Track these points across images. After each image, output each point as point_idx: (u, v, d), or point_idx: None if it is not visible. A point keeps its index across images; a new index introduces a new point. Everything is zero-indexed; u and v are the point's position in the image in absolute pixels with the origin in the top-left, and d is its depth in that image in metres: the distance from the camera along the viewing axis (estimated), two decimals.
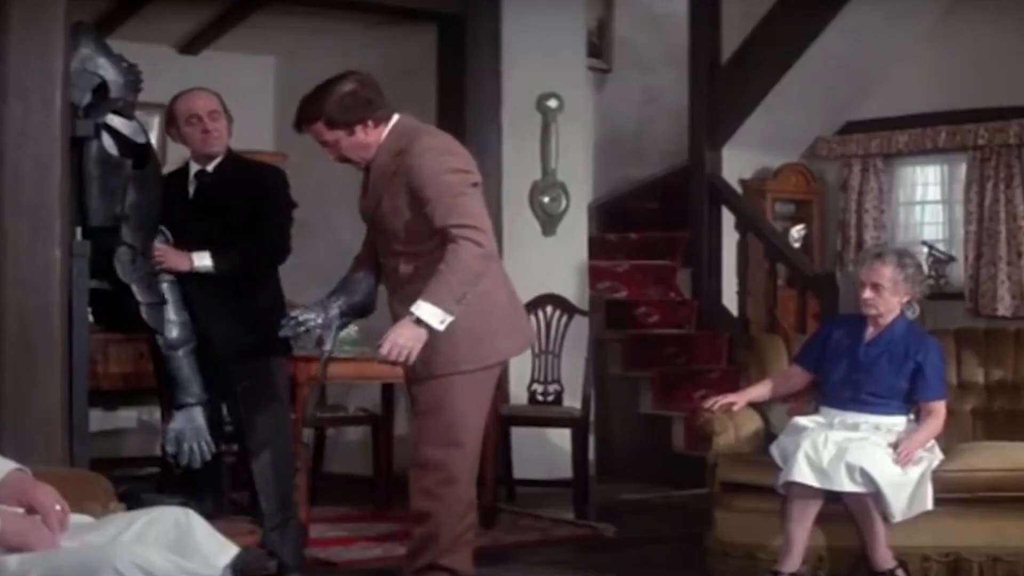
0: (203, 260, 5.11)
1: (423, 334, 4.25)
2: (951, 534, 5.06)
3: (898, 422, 5.16)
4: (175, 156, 7.85)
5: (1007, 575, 5.07)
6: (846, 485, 4.92)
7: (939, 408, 5.17)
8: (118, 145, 4.80)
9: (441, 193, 4.33)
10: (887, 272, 5.18)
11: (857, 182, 8.92)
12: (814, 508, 4.99)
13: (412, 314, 4.25)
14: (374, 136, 4.50)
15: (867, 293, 5.21)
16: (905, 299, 5.23)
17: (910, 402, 5.19)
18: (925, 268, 8.57)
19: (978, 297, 8.35)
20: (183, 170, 5.34)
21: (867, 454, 4.94)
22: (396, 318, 4.38)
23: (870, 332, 5.26)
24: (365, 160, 4.52)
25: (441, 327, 4.25)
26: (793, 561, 5.00)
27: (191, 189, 5.27)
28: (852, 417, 5.16)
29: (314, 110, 4.49)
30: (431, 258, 4.33)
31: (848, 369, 5.23)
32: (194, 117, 5.20)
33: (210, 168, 5.26)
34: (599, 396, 7.84)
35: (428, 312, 4.24)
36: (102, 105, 4.76)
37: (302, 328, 4.53)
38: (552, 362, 7.29)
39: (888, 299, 5.20)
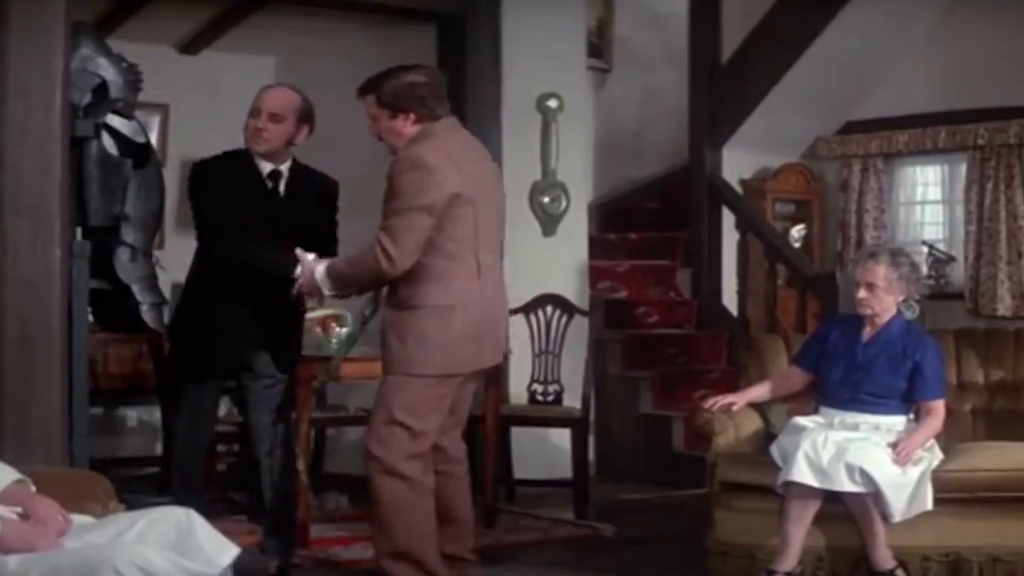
0: (322, 281, 4.92)
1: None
2: (951, 534, 5.06)
3: (897, 422, 5.16)
4: (175, 156, 7.89)
5: (1007, 575, 5.07)
6: (846, 485, 4.92)
7: (938, 407, 5.18)
8: (118, 145, 4.80)
9: (384, 202, 4.75)
10: (881, 271, 5.18)
11: (857, 182, 8.92)
12: (813, 508, 4.99)
13: (320, 270, 4.83)
14: (410, 130, 4.82)
15: (861, 293, 5.21)
16: (901, 298, 5.23)
17: (909, 401, 5.20)
18: (925, 268, 8.59)
19: (978, 297, 8.35)
20: (247, 160, 5.21)
21: (867, 454, 4.94)
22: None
23: (867, 332, 5.26)
24: (395, 149, 4.84)
25: (327, 292, 4.86)
26: (789, 560, 5.01)
27: (274, 184, 5.21)
28: (852, 417, 5.16)
29: (374, 85, 4.84)
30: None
31: (846, 369, 5.23)
32: (256, 110, 5.20)
33: (283, 169, 5.22)
34: (599, 396, 7.84)
35: (321, 274, 4.84)
36: (102, 105, 4.76)
37: None
38: (552, 362, 7.28)
39: (883, 298, 5.20)
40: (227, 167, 5.19)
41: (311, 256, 4.94)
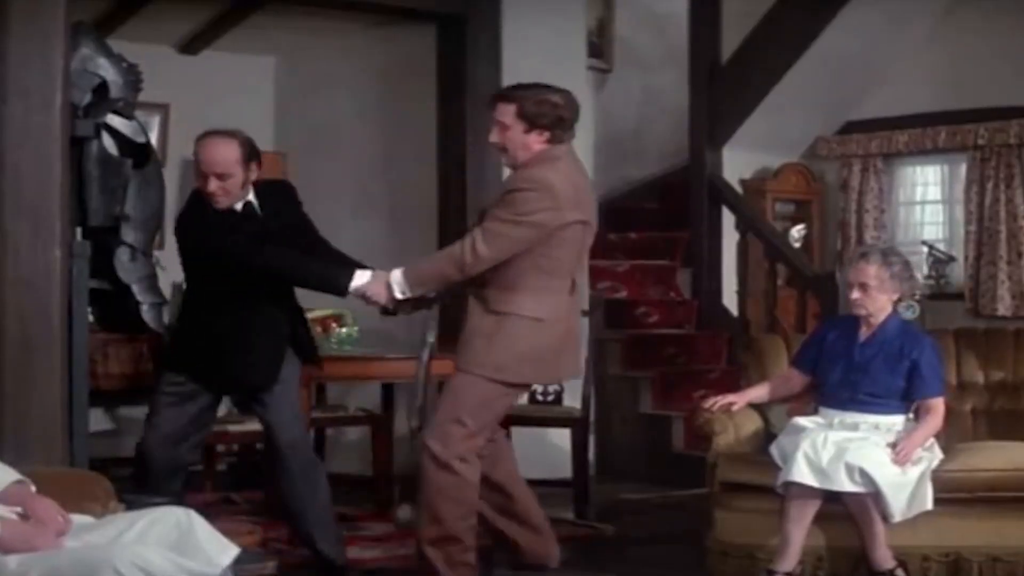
0: (397, 283, 4.98)
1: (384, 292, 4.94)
2: (951, 534, 5.06)
3: (897, 421, 5.16)
4: (175, 156, 7.89)
5: (1007, 575, 5.07)
6: (845, 485, 4.92)
7: (937, 405, 5.18)
8: (118, 145, 4.80)
9: (495, 207, 4.88)
10: (872, 271, 5.18)
11: (857, 182, 8.92)
12: (812, 508, 4.99)
13: (396, 273, 4.92)
14: (538, 147, 4.92)
15: (855, 293, 5.22)
16: (895, 297, 5.23)
17: (908, 400, 5.20)
18: (925, 268, 8.60)
19: (978, 297, 8.34)
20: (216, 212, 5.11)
21: (866, 454, 4.94)
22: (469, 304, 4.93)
23: (864, 332, 5.27)
24: (515, 160, 4.94)
25: (399, 294, 4.91)
26: (789, 561, 5.01)
27: (250, 210, 5.15)
28: (851, 417, 5.16)
29: (518, 94, 4.97)
30: (503, 265, 4.84)
31: (844, 370, 5.24)
32: (203, 175, 5.01)
33: (251, 197, 5.14)
34: (599, 396, 7.84)
35: (398, 276, 4.92)
36: (102, 105, 4.76)
37: None
38: None
39: (876, 298, 5.20)
40: (204, 211, 5.07)
41: (367, 271, 5.04)
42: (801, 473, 4.92)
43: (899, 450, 4.98)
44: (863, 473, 4.91)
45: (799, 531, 5.00)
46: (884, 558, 5.00)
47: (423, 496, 4.97)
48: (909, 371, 5.17)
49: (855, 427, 5.12)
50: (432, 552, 4.95)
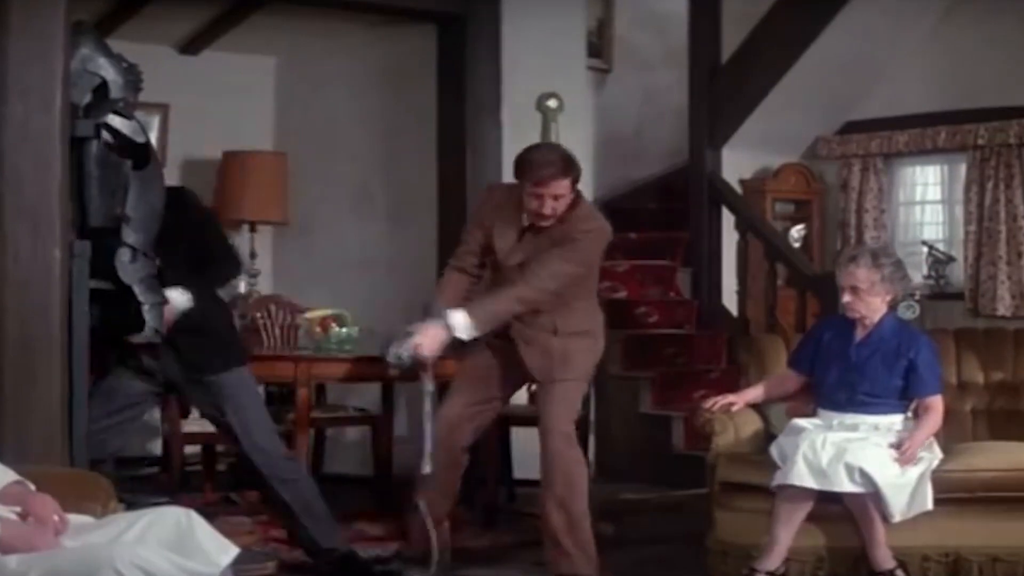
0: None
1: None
2: (951, 534, 5.07)
3: (896, 420, 5.16)
4: (175, 156, 7.90)
5: (1007, 575, 5.07)
6: (845, 485, 4.92)
7: (936, 403, 5.17)
8: (118, 145, 4.80)
9: (565, 250, 5.32)
10: (862, 274, 5.16)
11: (857, 182, 8.92)
12: (804, 510, 5.00)
13: (460, 318, 5.22)
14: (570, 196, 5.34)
15: (846, 297, 5.21)
16: (888, 298, 5.22)
17: (906, 399, 5.19)
18: (925, 268, 8.60)
19: (978, 297, 8.34)
20: None
21: (866, 455, 4.94)
22: (517, 333, 5.42)
23: (859, 333, 5.26)
24: (552, 219, 5.29)
25: (465, 336, 5.26)
26: (774, 560, 5.02)
27: None
28: (850, 419, 5.16)
29: (571, 166, 5.31)
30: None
31: (841, 371, 5.23)
32: None
33: None
34: (599, 396, 7.84)
35: (463, 321, 5.22)
36: (102, 105, 4.76)
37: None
38: None
39: (868, 300, 5.18)
40: None
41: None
42: (800, 476, 4.92)
43: (904, 451, 4.97)
44: (863, 473, 4.91)
45: (788, 532, 5.00)
46: (884, 558, 5.00)
47: (575, 493, 5.49)
48: (906, 370, 5.16)
49: (855, 428, 5.12)
50: (590, 522, 5.49)
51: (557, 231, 5.31)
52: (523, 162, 5.30)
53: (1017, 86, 8.05)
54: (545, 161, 5.26)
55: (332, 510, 5.51)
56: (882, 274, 5.16)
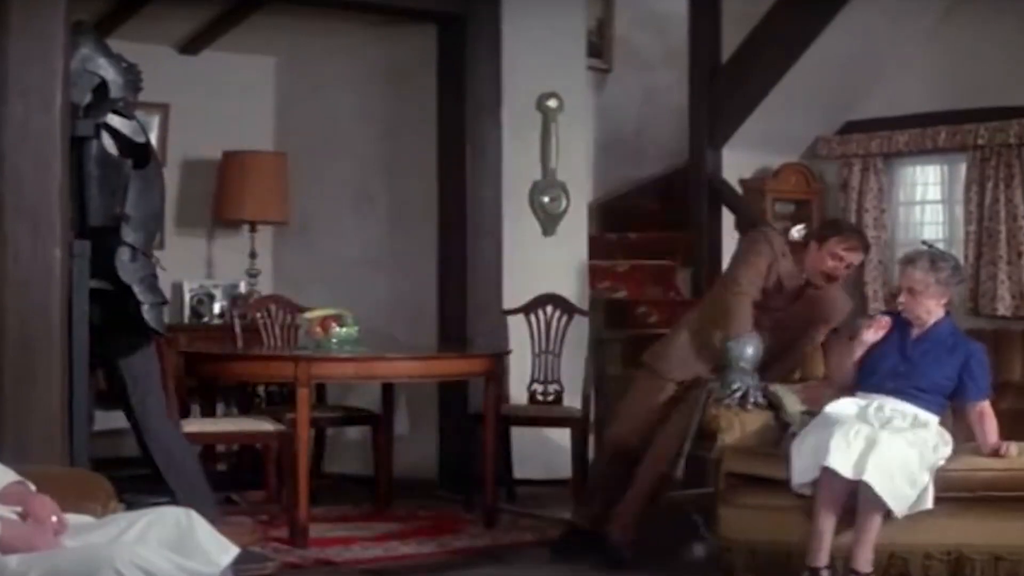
0: None
1: None
2: (953, 532, 5.07)
3: (932, 420, 5.21)
4: (175, 156, 7.90)
5: (1008, 574, 5.08)
6: (872, 477, 4.90)
7: (989, 407, 5.27)
8: (118, 145, 4.80)
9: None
10: (918, 275, 5.28)
11: (857, 182, 8.91)
12: (842, 499, 4.98)
13: None
14: None
15: (902, 297, 5.34)
16: (943, 301, 5.32)
17: (947, 400, 5.27)
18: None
19: (978, 297, 8.33)
20: None
21: (892, 449, 4.95)
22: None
23: (915, 331, 5.33)
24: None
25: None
26: (823, 555, 4.99)
27: None
28: (891, 404, 5.19)
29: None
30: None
31: (896, 361, 5.30)
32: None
33: None
34: (599, 396, 7.83)
35: None
36: (102, 105, 4.76)
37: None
38: (552, 362, 7.28)
39: (923, 302, 5.28)
40: None
41: None
42: (836, 461, 4.91)
43: (993, 446, 5.11)
44: (884, 468, 4.90)
45: (830, 522, 4.98)
46: (866, 561, 4.99)
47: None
48: (959, 370, 5.24)
49: (890, 418, 5.13)
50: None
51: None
52: (834, 224, 6.08)
53: (1017, 86, 8.04)
54: (855, 230, 6.12)
55: (332, 510, 5.49)
56: (937, 276, 5.26)
